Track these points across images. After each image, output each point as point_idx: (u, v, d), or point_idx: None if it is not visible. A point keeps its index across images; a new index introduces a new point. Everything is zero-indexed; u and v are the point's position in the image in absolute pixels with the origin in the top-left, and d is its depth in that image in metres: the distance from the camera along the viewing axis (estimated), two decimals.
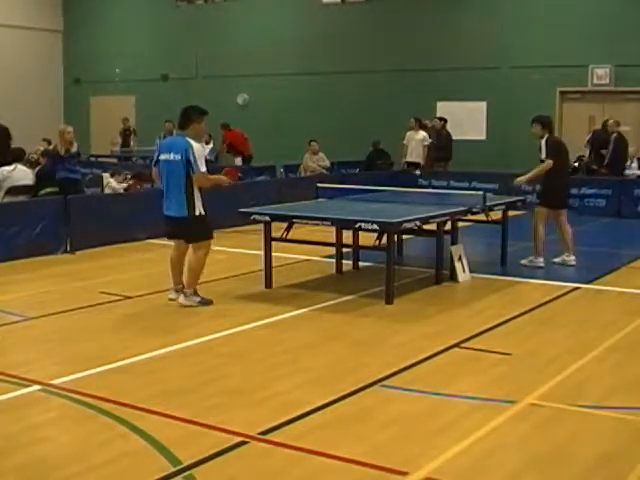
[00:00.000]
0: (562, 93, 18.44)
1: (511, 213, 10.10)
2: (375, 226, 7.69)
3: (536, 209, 9.87)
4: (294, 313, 7.48)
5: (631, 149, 15.95)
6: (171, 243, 8.05)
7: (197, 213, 7.47)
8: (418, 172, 17.17)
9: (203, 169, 7.40)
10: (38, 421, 4.85)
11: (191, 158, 7.32)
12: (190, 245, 7.68)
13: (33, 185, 11.47)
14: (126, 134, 22.30)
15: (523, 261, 9.76)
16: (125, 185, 13.38)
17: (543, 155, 9.45)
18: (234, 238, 11.53)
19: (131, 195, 12.72)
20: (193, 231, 7.59)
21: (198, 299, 7.65)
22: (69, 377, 5.59)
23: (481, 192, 9.41)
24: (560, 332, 6.91)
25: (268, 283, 8.52)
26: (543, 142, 9.46)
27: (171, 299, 7.87)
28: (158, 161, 7.63)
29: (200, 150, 7.47)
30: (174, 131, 17.20)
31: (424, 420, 4.87)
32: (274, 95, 21.80)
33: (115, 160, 20.48)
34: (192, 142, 7.41)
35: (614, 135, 15.44)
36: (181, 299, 7.66)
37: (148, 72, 23.81)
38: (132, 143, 22.28)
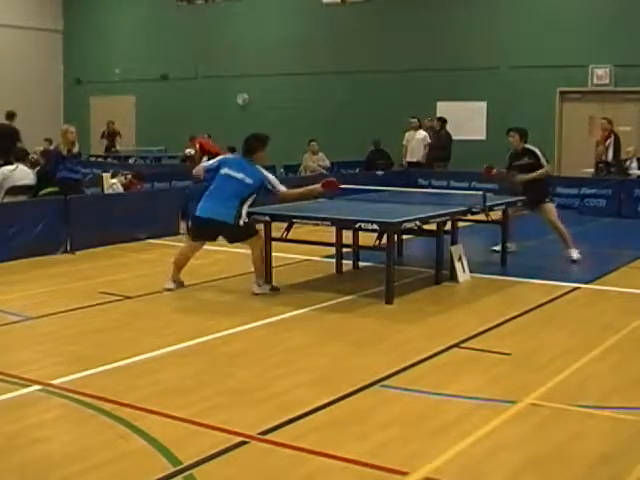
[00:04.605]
0: (562, 93, 18.45)
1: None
2: (375, 226, 7.68)
3: (545, 207, 10.05)
4: (294, 313, 7.47)
5: (630, 149, 15.95)
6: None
7: (242, 223, 7.99)
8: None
9: (283, 187, 8.22)
10: (38, 421, 4.85)
11: (269, 186, 8.12)
12: (244, 244, 8.34)
13: (33, 185, 11.46)
14: (112, 136, 22.27)
15: (495, 247, 10.07)
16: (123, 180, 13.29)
17: (543, 161, 10.15)
18: None
19: (131, 195, 12.72)
20: (239, 235, 8.17)
21: (268, 287, 8.23)
22: (69, 377, 5.59)
23: (481, 192, 9.41)
24: (560, 332, 6.91)
25: (268, 283, 8.51)
26: (536, 150, 10.15)
27: (168, 289, 8.25)
28: (215, 170, 8.22)
29: (269, 173, 8.27)
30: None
31: (424, 420, 4.87)
32: (274, 95, 21.80)
33: (115, 160, 20.47)
34: (262, 169, 8.19)
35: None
36: (255, 288, 8.15)
37: (148, 72, 23.81)
38: (118, 145, 22.26)
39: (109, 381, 5.57)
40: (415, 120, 18.00)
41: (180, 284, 8.41)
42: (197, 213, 8.17)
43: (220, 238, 8.37)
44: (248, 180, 8.01)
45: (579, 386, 5.54)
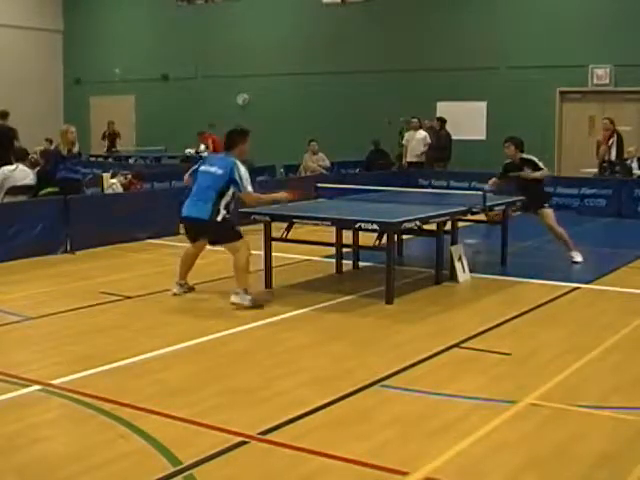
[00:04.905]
0: (562, 93, 18.45)
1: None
2: (375, 226, 7.68)
3: (543, 213, 10.08)
4: (294, 313, 7.48)
5: (631, 149, 15.94)
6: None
7: (219, 219, 7.64)
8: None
9: (250, 189, 7.71)
10: (38, 421, 4.85)
11: (237, 177, 7.63)
12: (227, 249, 7.83)
13: (33, 185, 11.46)
14: (112, 137, 22.30)
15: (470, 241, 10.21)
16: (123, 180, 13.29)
17: (542, 165, 10.23)
18: None
19: (131, 195, 12.72)
20: (218, 234, 7.79)
21: (248, 298, 7.60)
22: (69, 377, 5.59)
23: (481, 192, 9.41)
24: (560, 332, 6.91)
25: (268, 283, 8.52)
26: (534, 158, 10.23)
27: (174, 293, 8.09)
28: (196, 171, 8.03)
29: (245, 170, 7.74)
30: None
31: (424, 420, 4.87)
32: (274, 95, 21.81)
33: (115, 161, 20.47)
34: (238, 162, 7.71)
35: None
36: (233, 297, 7.62)
37: (148, 72, 23.82)
38: (118, 146, 22.30)
39: (109, 381, 5.58)
40: (416, 120, 18.00)
41: (188, 288, 8.23)
42: (181, 213, 7.98)
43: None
44: (219, 171, 7.69)
45: (579, 386, 5.54)
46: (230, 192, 7.72)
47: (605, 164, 15.71)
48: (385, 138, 18.51)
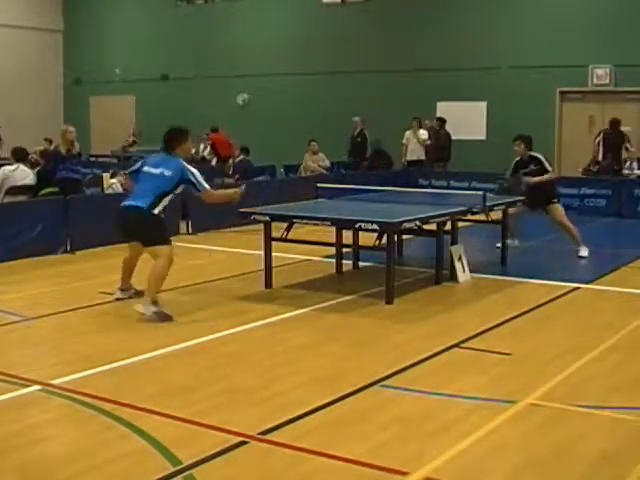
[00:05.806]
0: (562, 93, 18.45)
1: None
2: (375, 226, 7.68)
3: (553, 208, 10.32)
4: (294, 313, 7.48)
5: (632, 149, 15.94)
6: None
7: (155, 212, 7.33)
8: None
9: (207, 186, 7.54)
10: (38, 421, 4.85)
11: (192, 178, 7.41)
12: (150, 253, 7.46)
13: (33, 185, 11.47)
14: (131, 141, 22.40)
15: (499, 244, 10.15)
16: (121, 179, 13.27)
17: (547, 166, 10.44)
18: (234, 238, 11.54)
19: None
20: (146, 230, 7.37)
21: (153, 309, 7.11)
22: (69, 377, 5.59)
23: (481, 192, 9.41)
24: (560, 332, 6.91)
25: (268, 283, 8.52)
26: (541, 157, 10.45)
27: (117, 298, 7.86)
28: (138, 171, 7.64)
29: (194, 168, 7.52)
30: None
31: (424, 420, 4.87)
32: (274, 95, 21.79)
33: (115, 160, 20.49)
34: (184, 162, 7.48)
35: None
36: (139, 307, 7.17)
37: (148, 72, 23.81)
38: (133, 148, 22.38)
39: (109, 381, 5.58)
40: (416, 121, 17.99)
41: (135, 292, 7.89)
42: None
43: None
44: (167, 172, 7.38)
45: (579, 386, 5.54)
46: (175, 193, 7.51)
47: (592, 164, 15.81)
48: (385, 138, 18.49)
